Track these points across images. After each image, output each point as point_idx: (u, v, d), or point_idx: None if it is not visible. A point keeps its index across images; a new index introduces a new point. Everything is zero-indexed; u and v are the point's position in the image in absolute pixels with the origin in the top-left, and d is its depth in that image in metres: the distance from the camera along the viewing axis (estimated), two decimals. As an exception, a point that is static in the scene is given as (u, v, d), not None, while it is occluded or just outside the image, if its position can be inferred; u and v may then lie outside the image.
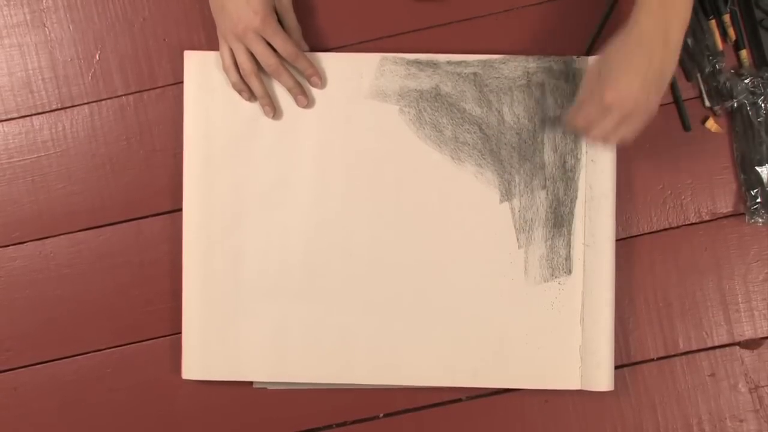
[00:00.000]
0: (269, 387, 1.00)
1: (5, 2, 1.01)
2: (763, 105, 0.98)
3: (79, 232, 1.01)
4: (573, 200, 0.97)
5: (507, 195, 0.97)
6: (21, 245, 1.01)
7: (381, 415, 1.01)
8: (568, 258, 0.97)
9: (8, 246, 1.01)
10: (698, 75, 1.00)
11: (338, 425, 1.01)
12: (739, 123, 1.00)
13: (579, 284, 0.97)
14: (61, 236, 1.01)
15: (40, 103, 1.01)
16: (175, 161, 1.00)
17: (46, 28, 1.01)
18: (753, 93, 0.98)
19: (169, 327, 1.01)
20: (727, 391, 1.00)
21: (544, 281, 0.97)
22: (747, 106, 0.99)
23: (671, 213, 1.01)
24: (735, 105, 0.99)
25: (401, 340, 0.98)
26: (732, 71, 1.00)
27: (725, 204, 1.01)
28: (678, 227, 1.01)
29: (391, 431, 1.01)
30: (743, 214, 1.00)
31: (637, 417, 1.00)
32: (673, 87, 1.00)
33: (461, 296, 0.98)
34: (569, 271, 0.97)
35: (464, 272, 0.98)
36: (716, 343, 1.01)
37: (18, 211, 1.01)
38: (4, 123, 1.01)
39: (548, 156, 0.97)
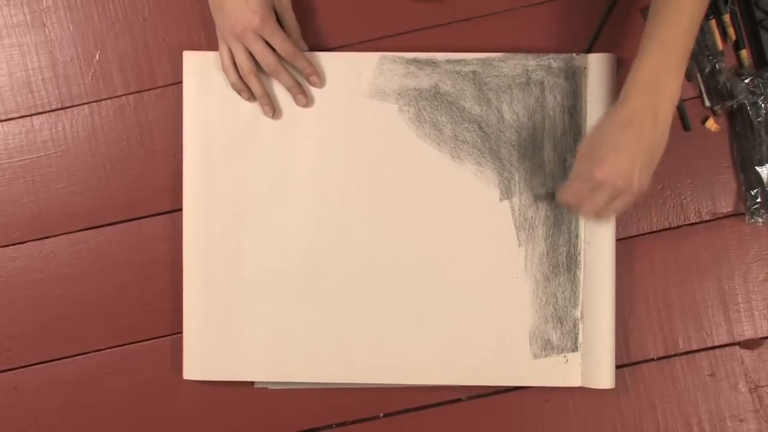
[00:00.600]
0: (270, 387, 1.00)
1: (5, 2, 1.01)
2: (763, 105, 0.98)
3: (79, 232, 1.01)
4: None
5: (507, 193, 0.97)
6: (21, 245, 1.01)
7: (381, 415, 1.01)
8: (568, 256, 0.97)
9: (8, 246, 1.01)
10: (698, 75, 1.00)
11: (338, 425, 1.01)
12: (739, 123, 1.00)
13: (579, 283, 0.97)
14: (61, 236, 1.01)
15: (40, 103, 1.01)
16: (175, 161, 1.00)
17: (46, 28, 1.01)
18: (753, 93, 0.98)
19: (169, 327, 1.01)
20: (727, 391, 1.00)
21: (545, 279, 0.97)
22: (747, 106, 0.99)
23: (671, 213, 1.01)
24: (735, 105, 0.99)
25: (401, 338, 0.98)
26: (732, 71, 1.00)
27: (725, 204, 1.01)
28: (678, 227, 1.01)
29: (391, 431, 1.00)
30: (743, 214, 1.00)
31: (637, 417, 1.00)
32: (672, 87, 1.01)
33: (461, 294, 0.98)
34: (569, 270, 0.97)
35: (464, 270, 0.98)
36: (716, 343, 1.01)
37: (18, 211, 1.01)
38: (4, 123, 1.01)
39: (548, 154, 0.97)
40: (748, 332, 1.00)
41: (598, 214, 0.89)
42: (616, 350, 0.97)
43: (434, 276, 0.98)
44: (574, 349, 0.97)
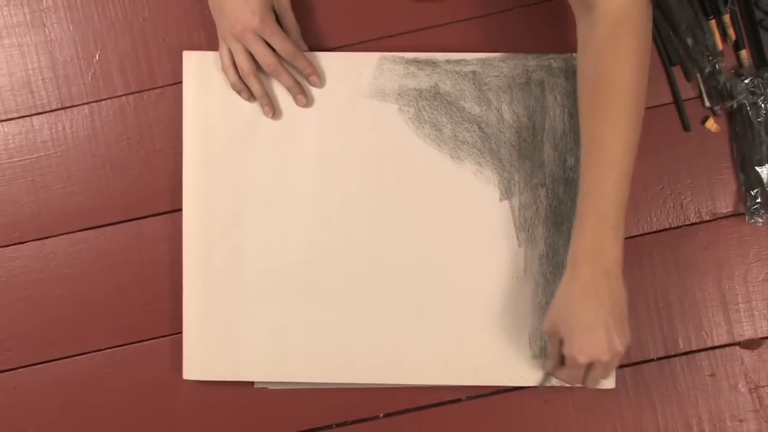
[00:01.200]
0: (270, 387, 1.00)
1: (5, 2, 1.01)
2: (763, 105, 0.98)
3: (79, 232, 1.01)
4: (573, 199, 0.97)
5: (507, 193, 0.97)
6: (21, 245, 1.01)
7: (381, 415, 1.01)
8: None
9: (8, 246, 1.01)
10: (698, 75, 1.00)
11: (338, 425, 1.01)
12: (739, 123, 1.00)
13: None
14: (61, 236, 1.01)
15: (40, 103, 1.01)
16: (175, 161, 1.00)
17: (46, 28, 1.01)
18: (753, 93, 0.98)
19: (169, 327, 1.01)
20: (727, 391, 1.00)
21: (545, 280, 0.97)
22: (747, 106, 0.99)
23: (671, 213, 1.01)
24: (735, 105, 0.99)
25: (402, 338, 0.98)
26: (732, 71, 1.00)
27: (725, 204, 1.01)
28: (678, 227, 1.01)
29: (391, 431, 1.00)
30: (743, 214, 1.00)
31: (637, 417, 1.00)
32: (673, 87, 1.00)
33: (461, 294, 0.98)
34: (569, 271, 0.97)
35: (464, 271, 0.98)
36: (716, 343, 1.00)
37: (18, 211, 1.01)
38: (4, 123, 1.01)
39: (548, 154, 0.97)
40: (748, 332, 1.00)
41: (594, 383, 0.90)
42: (616, 350, 0.97)
43: (434, 276, 0.98)
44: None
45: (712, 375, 1.00)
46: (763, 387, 1.00)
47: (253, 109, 0.98)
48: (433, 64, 0.98)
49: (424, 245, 0.98)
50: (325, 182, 0.98)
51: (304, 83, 0.98)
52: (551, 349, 0.91)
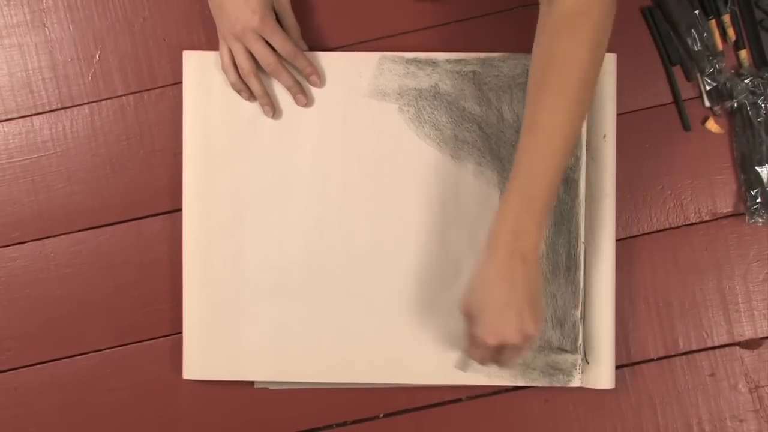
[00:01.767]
0: (270, 387, 1.00)
1: (5, 2, 1.01)
2: (763, 105, 0.98)
3: (79, 232, 1.01)
4: (573, 199, 0.97)
5: (506, 193, 0.97)
6: (21, 245, 1.01)
7: (381, 415, 1.01)
8: (568, 257, 0.97)
9: (8, 246, 1.01)
10: (698, 75, 1.00)
11: (338, 425, 1.01)
12: (739, 123, 1.00)
13: (579, 283, 0.97)
14: (61, 236, 1.01)
15: (40, 103, 1.01)
16: (175, 161, 1.00)
17: (46, 28, 1.01)
18: (753, 93, 0.98)
19: (169, 327, 1.01)
20: (727, 391, 1.00)
21: (544, 280, 0.97)
22: (747, 106, 0.99)
23: (671, 213, 1.01)
24: (735, 105, 0.99)
25: (402, 338, 0.98)
26: (732, 71, 1.00)
27: (725, 204, 1.01)
28: (678, 227, 1.01)
29: (391, 431, 1.00)
30: (743, 214, 1.00)
31: (637, 417, 1.00)
32: (673, 87, 1.01)
33: (461, 294, 0.97)
34: (569, 270, 0.97)
35: (464, 271, 0.97)
36: (716, 343, 1.01)
37: (18, 211, 1.01)
38: (4, 123, 1.01)
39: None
40: (748, 332, 1.01)
41: (511, 363, 0.90)
42: (616, 350, 0.97)
43: (434, 276, 0.98)
44: (574, 349, 0.97)
45: (712, 375, 1.00)
46: (763, 387, 1.00)
47: (253, 108, 0.98)
48: (433, 63, 0.98)
49: (424, 245, 0.98)
50: (325, 182, 0.98)
51: (304, 83, 0.98)
52: (466, 329, 0.89)
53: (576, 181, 0.97)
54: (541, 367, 0.97)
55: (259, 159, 0.98)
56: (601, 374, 0.97)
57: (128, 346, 1.01)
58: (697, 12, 0.99)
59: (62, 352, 1.01)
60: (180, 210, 0.99)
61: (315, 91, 0.98)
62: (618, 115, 0.98)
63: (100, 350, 1.01)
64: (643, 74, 1.01)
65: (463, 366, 0.96)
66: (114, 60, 1.01)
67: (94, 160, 1.01)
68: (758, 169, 0.99)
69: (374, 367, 0.98)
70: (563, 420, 1.00)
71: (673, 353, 1.00)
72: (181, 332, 0.99)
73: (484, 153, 0.98)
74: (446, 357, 0.98)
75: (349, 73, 0.98)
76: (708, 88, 1.00)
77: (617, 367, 0.98)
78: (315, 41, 1.00)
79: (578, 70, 0.82)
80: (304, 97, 0.97)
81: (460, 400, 1.00)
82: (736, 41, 1.00)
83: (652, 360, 1.00)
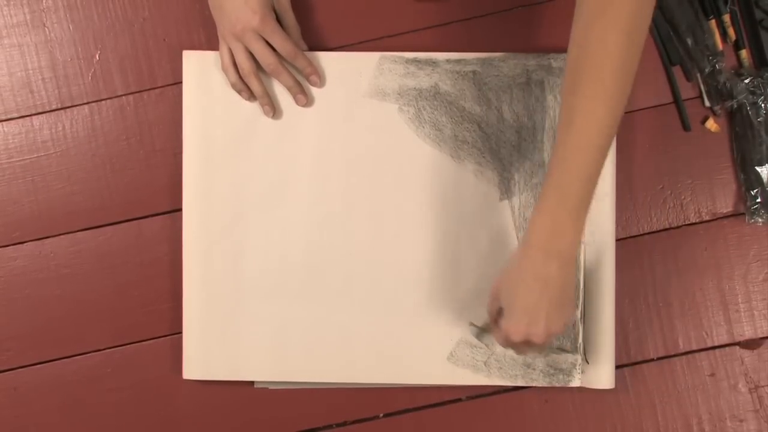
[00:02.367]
0: (270, 387, 1.00)
1: (5, 2, 1.01)
2: (763, 105, 0.98)
3: (79, 232, 1.01)
4: (573, 199, 0.97)
5: (507, 193, 0.97)
6: (21, 245, 1.01)
7: (381, 415, 1.01)
8: (567, 257, 0.97)
9: (8, 246, 1.01)
10: (698, 75, 1.00)
11: (338, 425, 1.01)
12: (739, 123, 1.00)
13: (579, 283, 0.97)
14: (61, 236, 1.01)
15: (40, 103, 1.01)
16: (175, 161, 1.00)
17: (46, 28, 1.01)
18: (753, 93, 0.98)
19: (169, 327, 1.01)
20: (727, 391, 1.00)
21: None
22: (747, 106, 0.99)
23: (671, 213, 1.01)
24: (735, 105, 0.99)
25: (401, 338, 0.98)
26: (732, 71, 1.00)
27: (725, 204, 1.01)
28: (678, 227, 1.01)
29: (391, 431, 1.00)
30: (743, 214, 1.00)
31: (637, 417, 1.00)
32: (673, 87, 1.01)
33: (461, 294, 0.97)
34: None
35: (464, 270, 0.98)
36: (716, 343, 1.01)
37: (18, 211, 1.01)
38: (4, 123, 1.01)
39: (548, 154, 0.97)
40: (748, 332, 1.01)
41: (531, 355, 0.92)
42: (616, 350, 0.97)
43: (434, 276, 0.98)
44: (574, 349, 0.97)
45: (712, 375, 1.00)
46: (763, 387, 1.00)
47: (253, 108, 0.98)
48: (433, 63, 0.98)
49: (424, 245, 0.98)
50: (325, 182, 0.98)
51: (304, 83, 0.98)
52: (490, 308, 0.89)
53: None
54: (541, 367, 0.98)
55: (259, 159, 0.98)
56: (601, 374, 0.97)
57: (128, 346, 1.01)
58: (697, 12, 0.99)
59: (62, 352, 1.01)
60: (180, 210, 0.99)
61: (315, 91, 0.98)
62: (618, 114, 0.98)
63: (100, 350, 1.01)
64: (642, 74, 1.00)
65: (478, 335, 0.96)
66: (114, 60, 1.01)
67: (93, 160, 1.01)
68: (758, 169, 0.99)
69: (374, 367, 0.98)
70: (563, 420, 1.00)
71: (673, 353, 1.00)
72: (181, 332, 0.99)
73: (484, 153, 0.98)
74: (446, 357, 0.98)
75: (349, 73, 0.98)
76: (708, 88, 1.00)
77: (617, 367, 0.98)
78: (315, 41, 1.00)
79: (615, 58, 0.78)
80: (304, 97, 0.97)
81: (460, 400, 1.00)
82: (736, 41, 1.00)
83: (652, 360, 1.00)
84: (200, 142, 0.98)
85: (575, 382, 0.97)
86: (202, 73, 0.98)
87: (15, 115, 1.01)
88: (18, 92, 1.01)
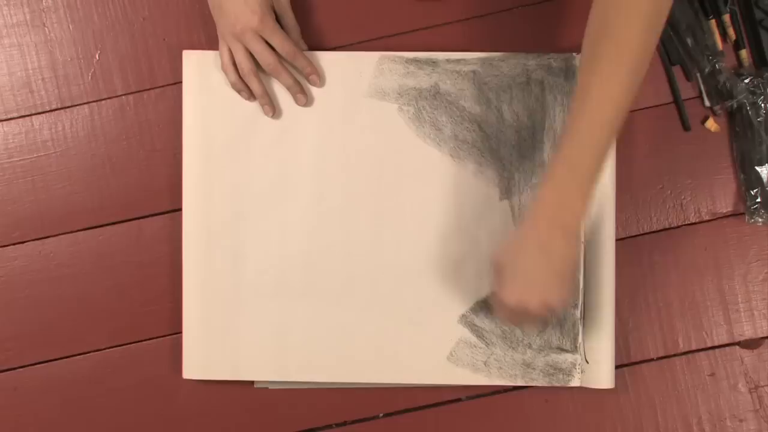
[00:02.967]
0: (270, 387, 1.00)
1: (5, 2, 1.01)
2: (763, 105, 0.98)
3: (79, 232, 1.01)
4: (573, 199, 0.97)
5: (507, 193, 0.97)
6: (21, 245, 1.01)
7: (381, 415, 1.01)
8: (567, 257, 0.97)
9: (8, 246, 1.01)
10: (698, 75, 1.00)
11: (338, 425, 1.01)
12: (739, 123, 1.00)
13: (579, 283, 0.97)
14: (61, 236, 1.01)
15: (40, 103, 1.01)
16: (175, 161, 1.00)
17: (46, 28, 1.01)
18: (753, 93, 0.98)
19: (169, 327, 1.01)
20: (727, 391, 1.00)
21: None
22: (747, 106, 0.99)
23: (671, 213, 1.01)
24: (735, 105, 0.99)
25: (402, 338, 0.98)
26: (732, 71, 1.00)
27: (725, 204, 1.01)
28: (678, 227, 1.01)
29: (391, 431, 1.00)
30: (743, 214, 1.00)
31: (637, 416, 1.00)
32: (673, 87, 1.01)
33: (461, 294, 0.97)
34: (569, 270, 0.97)
35: (464, 270, 0.98)
36: (716, 343, 1.01)
37: (18, 211, 1.01)
38: (4, 123, 1.01)
39: (548, 154, 0.97)
40: (748, 332, 1.00)
41: (531, 329, 0.93)
42: (616, 350, 0.97)
43: (434, 276, 0.98)
44: (574, 349, 0.97)
45: (712, 375, 1.00)
46: (763, 387, 1.00)
47: (253, 108, 0.98)
48: (433, 63, 0.98)
49: (424, 245, 0.98)
50: (325, 182, 0.98)
51: (304, 83, 0.98)
52: (493, 279, 0.89)
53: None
54: (541, 367, 0.97)
55: (259, 159, 0.98)
56: (601, 374, 0.97)
57: (128, 346, 1.01)
58: (697, 12, 0.99)
59: (62, 352, 1.01)
60: (180, 210, 0.99)
61: (315, 91, 0.98)
62: (618, 114, 0.98)
63: (100, 350, 1.01)
64: (642, 74, 1.01)
65: (474, 309, 0.96)
66: (114, 60, 1.01)
67: (93, 160, 1.01)
68: (758, 168, 0.99)
69: (374, 367, 0.98)
70: (563, 420, 1.00)
71: (672, 353, 1.00)
72: (181, 332, 0.99)
73: (483, 153, 0.98)
74: (446, 357, 0.98)
75: (349, 73, 0.98)
76: (708, 88, 1.00)
77: (617, 366, 0.98)
78: (315, 41, 1.00)
79: (633, 38, 0.79)
80: (304, 97, 0.97)
81: (460, 400, 1.00)
82: (736, 41, 1.00)
83: (651, 360, 1.00)
84: (200, 142, 0.98)
85: (575, 382, 0.97)
86: (202, 73, 0.98)
87: (15, 115, 1.01)
88: (18, 92, 1.01)
